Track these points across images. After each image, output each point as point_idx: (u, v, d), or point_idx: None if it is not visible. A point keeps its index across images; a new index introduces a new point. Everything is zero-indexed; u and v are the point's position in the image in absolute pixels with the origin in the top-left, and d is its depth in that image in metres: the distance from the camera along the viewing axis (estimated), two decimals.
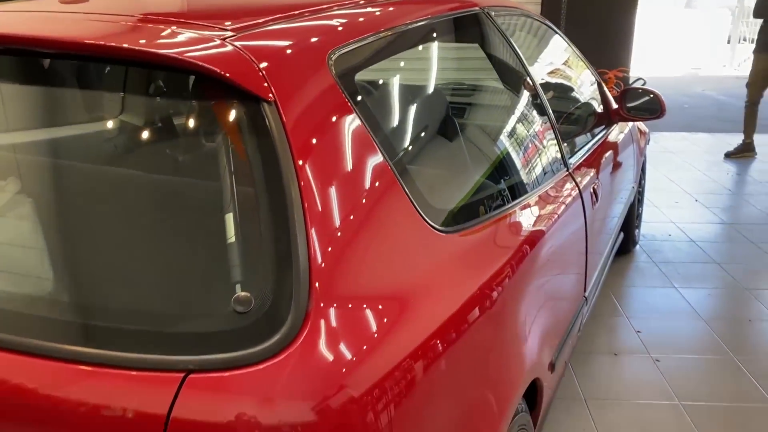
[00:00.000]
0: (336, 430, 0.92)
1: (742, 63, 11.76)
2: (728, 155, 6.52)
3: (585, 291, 2.32)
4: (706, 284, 3.71)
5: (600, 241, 2.56)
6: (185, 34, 1.17)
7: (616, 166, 2.93)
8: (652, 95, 3.01)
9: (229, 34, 1.19)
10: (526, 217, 1.69)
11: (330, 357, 0.96)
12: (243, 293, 0.96)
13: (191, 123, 1.14)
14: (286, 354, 0.93)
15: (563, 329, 1.95)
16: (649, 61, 11.09)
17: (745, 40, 12.60)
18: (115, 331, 0.96)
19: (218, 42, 1.15)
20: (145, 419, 0.89)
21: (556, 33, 2.86)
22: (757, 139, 6.52)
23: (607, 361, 2.93)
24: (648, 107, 3.00)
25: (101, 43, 1.12)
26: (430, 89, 1.79)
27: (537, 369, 1.59)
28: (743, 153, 6.48)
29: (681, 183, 5.67)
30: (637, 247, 4.21)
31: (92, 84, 1.21)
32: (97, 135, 1.20)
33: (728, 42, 12.84)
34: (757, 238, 4.39)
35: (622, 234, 3.60)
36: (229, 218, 1.03)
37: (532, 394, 1.66)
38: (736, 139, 6.64)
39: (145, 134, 1.19)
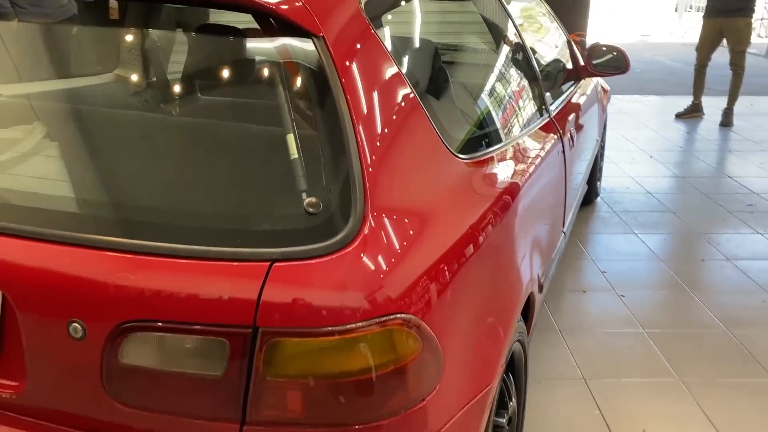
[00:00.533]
0: (389, 309, 1.11)
1: (688, 30, 12.21)
2: (678, 116, 6.89)
3: (563, 226, 2.55)
4: (662, 230, 4.02)
5: (574, 183, 2.79)
6: None
7: (584, 118, 3.16)
8: (616, 52, 3.23)
9: None
10: (522, 153, 1.89)
11: (383, 253, 1.14)
12: (313, 198, 1.13)
13: (259, 58, 1.30)
14: (350, 248, 1.11)
15: (548, 256, 2.18)
16: (601, 29, 11.42)
17: (691, 8, 13.07)
18: (213, 230, 1.12)
19: None
20: (239, 300, 1.06)
21: None
22: (705, 100, 6.90)
23: (577, 297, 3.19)
24: (613, 63, 3.23)
25: None
26: (443, 33, 1.97)
27: (532, 285, 1.81)
28: (692, 113, 6.85)
29: (636, 141, 5.99)
30: (599, 198, 4.49)
31: (163, 24, 1.35)
32: (184, 70, 1.35)
33: (675, 10, 13.31)
34: (707, 189, 4.73)
35: (586, 186, 3.86)
36: (299, 138, 1.19)
37: (525, 309, 1.88)
38: (686, 101, 7.00)
39: (225, 71, 1.35)
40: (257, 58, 1.31)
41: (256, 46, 1.31)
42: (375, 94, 1.30)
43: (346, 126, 1.19)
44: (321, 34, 1.25)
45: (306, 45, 1.25)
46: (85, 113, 1.48)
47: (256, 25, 1.28)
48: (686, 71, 7.44)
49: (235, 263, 1.09)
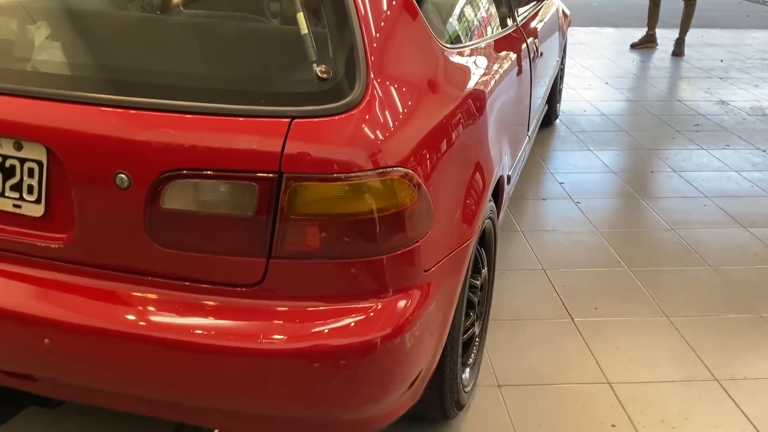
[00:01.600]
0: (390, 162, 1.32)
1: None
2: (633, 46, 7.15)
3: (528, 130, 2.79)
4: (616, 147, 4.31)
5: (537, 91, 3.02)
6: None
7: (546, 36, 3.37)
8: None
9: None
10: (495, 50, 2.10)
11: (385, 115, 1.34)
12: (324, 66, 1.31)
13: None
14: (358, 109, 1.30)
15: (515, 152, 2.41)
16: None
17: None
18: (240, 91, 1.30)
19: None
20: (267, 150, 1.25)
21: None
22: (659, 32, 7.17)
23: (537, 204, 3.46)
24: None
25: None
26: None
27: (503, 168, 2.04)
28: (646, 44, 7.12)
29: (593, 69, 6.25)
30: (558, 120, 4.75)
31: None
32: None
33: None
34: (658, 111, 5.03)
35: (546, 106, 4.10)
36: (310, 13, 1.36)
37: (496, 193, 2.12)
38: (640, 33, 7.27)
39: None
40: None
41: None
42: None
43: (349, 6, 1.37)
44: None
45: None
46: None
47: None
48: (640, 5, 7.67)
49: (260, 119, 1.27)
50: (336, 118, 1.29)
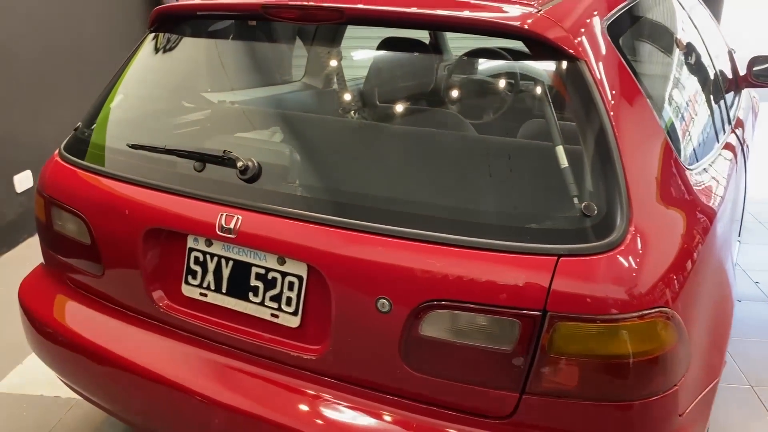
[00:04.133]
0: (653, 303, 1.26)
1: None
2: None
3: (739, 234, 2.63)
4: None
5: (747, 191, 2.85)
6: (506, 6, 1.51)
7: (748, 124, 3.19)
8: None
9: (534, 8, 1.52)
10: (723, 161, 2.02)
11: (645, 253, 1.30)
12: (589, 203, 1.30)
13: (525, 77, 1.50)
14: (621, 248, 1.27)
15: (732, 263, 2.27)
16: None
17: None
18: (506, 227, 1.32)
19: (535, 13, 1.48)
20: (533, 288, 1.25)
21: None
22: None
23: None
24: None
25: (444, 13, 1.48)
26: (669, 49, 2.11)
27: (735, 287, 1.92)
28: None
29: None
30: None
31: (431, 50, 1.58)
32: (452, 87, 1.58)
33: None
34: None
35: None
36: (572, 151, 1.37)
37: None
38: None
39: (494, 88, 1.56)
40: (523, 77, 1.51)
41: (523, 67, 1.51)
42: (626, 111, 1.46)
43: (611, 141, 1.36)
44: (582, 57, 1.43)
45: (569, 66, 1.43)
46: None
47: (524, 50, 1.47)
48: None
49: (526, 256, 1.28)
50: (602, 257, 1.27)
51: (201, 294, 1.61)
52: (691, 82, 2.10)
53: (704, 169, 1.79)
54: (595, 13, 1.60)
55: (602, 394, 1.28)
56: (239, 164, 1.51)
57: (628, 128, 1.43)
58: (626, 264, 1.27)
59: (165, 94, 1.96)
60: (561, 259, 1.26)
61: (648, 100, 1.57)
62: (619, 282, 1.26)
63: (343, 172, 1.55)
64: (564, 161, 1.37)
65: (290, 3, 1.58)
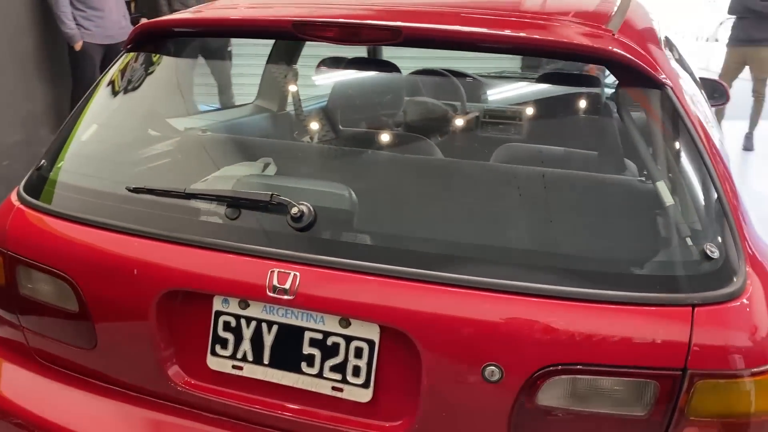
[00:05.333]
0: None
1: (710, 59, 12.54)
2: None
3: None
4: None
5: None
6: (576, 28, 1.38)
7: None
8: (717, 84, 3.37)
9: (604, 30, 1.40)
10: None
11: None
12: (712, 246, 1.18)
13: (612, 105, 1.36)
14: (749, 292, 1.16)
15: None
16: None
17: (708, 39, 13.65)
18: (631, 276, 1.17)
19: (609, 37, 1.36)
20: (671, 344, 1.10)
21: None
22: (725, 124, 7.15)
23: None
24: (717, 95, 3.35)
25: (523, 35, 1.32)
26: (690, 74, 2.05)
27: None
28: None
29: None
30: None
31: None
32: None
33: (696, 40, 13.96)
34: None
35: None
36: (673, 186, 1.25)
37: None
38: None
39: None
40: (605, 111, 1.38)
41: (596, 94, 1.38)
42: (709, 141, 1.36)
43: (713, 174, 1.26)
44: (666, 83, 1.32)
45: (660, 94, 1.32)
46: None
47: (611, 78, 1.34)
48: None
49: (659, 307, 1.13)
50: (735, 303, 1.15)
51: (234, 367, 1.33)
52: (706, 109, 2.08)
53: None
54: (655, 34, 1.50)
55: None
56: (293, 210, 1.25)
57: (716, 159, 1.33)
58: (759, 309, 1.16)
59: (157, 124, 1.64)
60: (696, 308, 1.13)
61: (709, 127, 1.49)
62: (757, 330, 1.14)
63: (430, 216, 1.33)
64: (670, 198, 1.24)
65: (336, 21, 1.35)
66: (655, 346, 1.11)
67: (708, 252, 1.18)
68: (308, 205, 1.27)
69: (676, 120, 1.30)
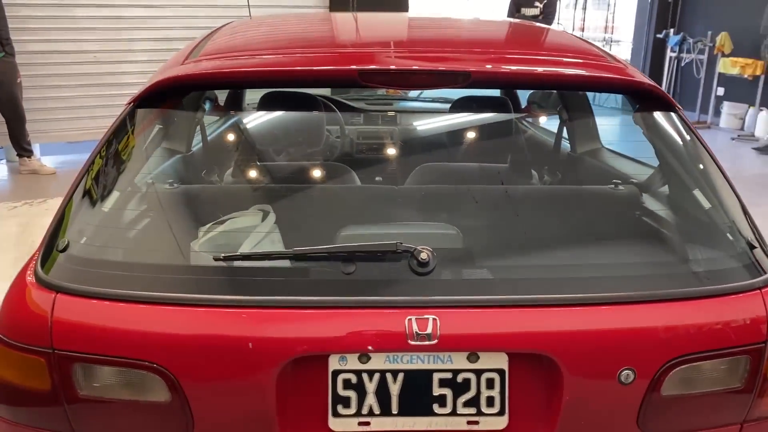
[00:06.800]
0: None
1: None
2: None
3: None
4: None
5: None
6: (600, 62, 1.57)
7: None
8: None
9: (617, 61, 1.61)
10: None
11: None
12: (749, 238, 1.43)
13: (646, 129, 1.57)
14: None
15: None
16: None
17: None
18: (712, 272, 1.37)
19: (628, 68, 1.57)
20: (756, 321, 1.31)
21: None
22: None
23: None
24: None
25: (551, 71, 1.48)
26: None
27: None
28: None
29: None
30: None
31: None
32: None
33: None
34: None
35: None
36: (708, 192, 1.49)
37: None
38: None
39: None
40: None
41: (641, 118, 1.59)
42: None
43: (726, 176, 1.53)
44: (678, 109, 1.57)
45: (675, 116, 1.56)
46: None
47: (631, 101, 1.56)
48: None
49: (739, 295, 1.35)
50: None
51: (361, 423, 1.30)
52: None
53: None
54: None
55: None
56: (422, 256, 1.26)
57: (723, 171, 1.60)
58: None
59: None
60: (763, 290, 1.37)
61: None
62: None
63: (538, 243, 1.42)
64: (707, 203, 1.49)
65: (412, 68, 1.38)
66: (743, 327, 1.34)
67: (751, 243, 1.43)
68: (428, 248, 1.29)
69: (691, 137, 1.56)
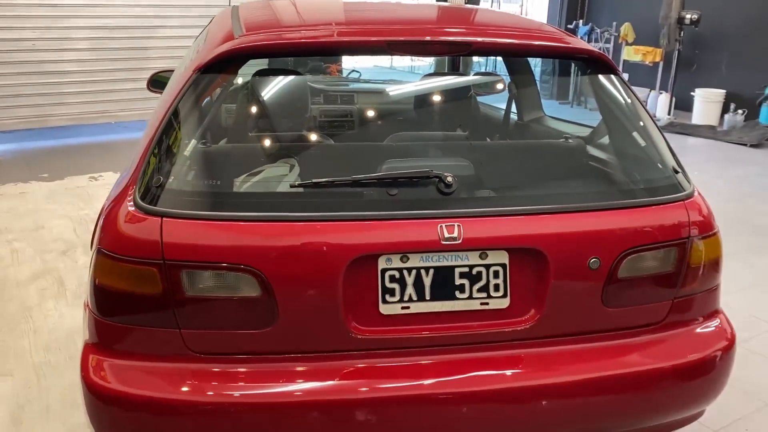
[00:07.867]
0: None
1: None
2: None
3: None
4: None
5: None
6: (566, 38, 2.05)
7: None
8: None
9: (572, 36, 2.10)
10: None
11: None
12: (674, 165, 1.95)
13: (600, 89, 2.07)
14: (696, 195, 1.96)
15: None
16: None
17: None
18: (649, 188, 1.88)
19: (581, 41, 2.06)
20: (677, 225, 1.82)
21: None
22: None
23: None
24: None
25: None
26: None
27: None
28: None
29: None
30: None
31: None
32: None
33: None
34: None
35: None
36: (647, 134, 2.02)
37: None
38: None
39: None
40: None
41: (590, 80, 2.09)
42: None
43: (659, 127, 2.05)
44: (619, 72, 2.08)
45: (618, 78, 2.07)
46: None
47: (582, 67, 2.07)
48: None
49: (669, 205, 1.85)
50: (698, 197, 1.93)
51: (403, 308, 1.71)
52: None
53: None
54: None
55: (708, 284, 1.95)
56: (448, 179, 1.69)
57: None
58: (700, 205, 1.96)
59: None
60: (686, 201, 1.88)
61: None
62: (708, 211, 1.94)
63: (525, 172, 1.94)
64: (643, 142, 2.00)
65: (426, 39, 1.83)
66: (672, 228, 1.84)
67: (675, 169, 1.95)
68: (451, 174, 1.72)
69: (630, 94, 2.07)
